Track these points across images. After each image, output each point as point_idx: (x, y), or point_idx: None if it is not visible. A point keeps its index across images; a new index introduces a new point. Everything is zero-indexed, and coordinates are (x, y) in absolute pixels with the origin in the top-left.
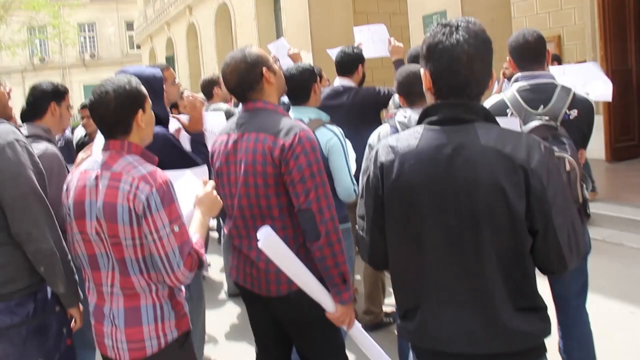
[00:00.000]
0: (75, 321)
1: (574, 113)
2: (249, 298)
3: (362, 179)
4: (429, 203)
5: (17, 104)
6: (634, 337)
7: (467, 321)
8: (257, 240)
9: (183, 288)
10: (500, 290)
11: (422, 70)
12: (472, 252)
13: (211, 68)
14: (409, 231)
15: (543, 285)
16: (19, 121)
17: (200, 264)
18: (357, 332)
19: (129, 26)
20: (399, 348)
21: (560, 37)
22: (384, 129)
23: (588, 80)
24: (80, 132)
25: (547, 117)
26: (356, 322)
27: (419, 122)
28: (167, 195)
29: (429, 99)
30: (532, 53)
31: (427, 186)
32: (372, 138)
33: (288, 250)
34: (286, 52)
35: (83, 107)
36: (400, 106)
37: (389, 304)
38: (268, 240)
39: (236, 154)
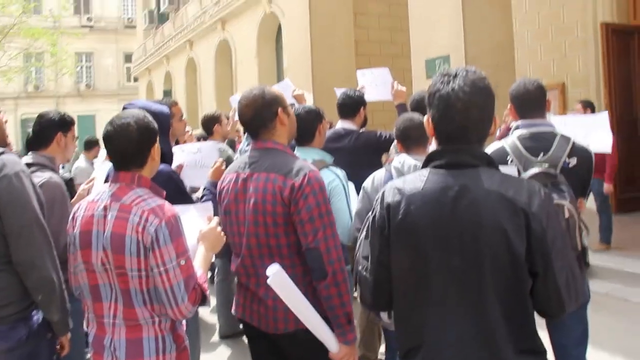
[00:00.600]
0: (63, 348)
1: (573, 161)
2: (253, 335)
3: (357, 221)
4: (434, 243)
5: (10, 132)
6: None
7: (471, 359)
8: (267, 277)
9: (184, 322)
10: (502, 331)
11: (425, 117)
12: (476, 292)
13: (209, 104)
14: (414, 271)
15: (543, 336)
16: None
17: (203, 299)
18: None
19: (127, 58)
20: None
21: (564, 84)
22: (378, 174)
23: (589, 131)
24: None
25: (546, 165)
26: None
27: (424, 165)
28: (175, 229)
29: (434, 145)
30: (532, 102)
31: (432, 227)
32: (367, 182)
33: (296, 289)
34: (290, 93)
35: None
36: (398, 152)
37: (383, 352)
38: (277, 277)
39: (245, 193)
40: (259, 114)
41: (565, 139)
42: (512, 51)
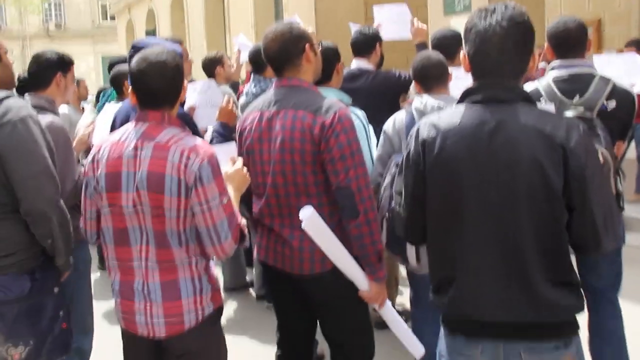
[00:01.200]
0: (61, 276)
1: (612, 104)
2: (275, 278)
3: (378, 165)
4: (470, 177)
5: None
6: None
7: (503, 291)
8: (293, 218)
9: (213, 264)
10: (537, 263)
11: (461, 53)
12: (511, 225)
13: (199, 47)
14: (449, 204)
15: None
16: None
17: (242, 238)
18: (388, 311)
19: None
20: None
21: (600, 21)
22: (399, 115)
23: (631, 71)
24: None
25: (581, 108)
26: (387, 301)
27: (460, 101)
28: (216, 167)
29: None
30: (572, 41)
31: (468, 162)
32: (388, 124)
33: (329, 230)
34: None
35: None
36: (417, 93)
37: (400, 303)
38: (311, 220)
39: (271, 131)
40: (286, 49)
41: (605, 80)
42: None
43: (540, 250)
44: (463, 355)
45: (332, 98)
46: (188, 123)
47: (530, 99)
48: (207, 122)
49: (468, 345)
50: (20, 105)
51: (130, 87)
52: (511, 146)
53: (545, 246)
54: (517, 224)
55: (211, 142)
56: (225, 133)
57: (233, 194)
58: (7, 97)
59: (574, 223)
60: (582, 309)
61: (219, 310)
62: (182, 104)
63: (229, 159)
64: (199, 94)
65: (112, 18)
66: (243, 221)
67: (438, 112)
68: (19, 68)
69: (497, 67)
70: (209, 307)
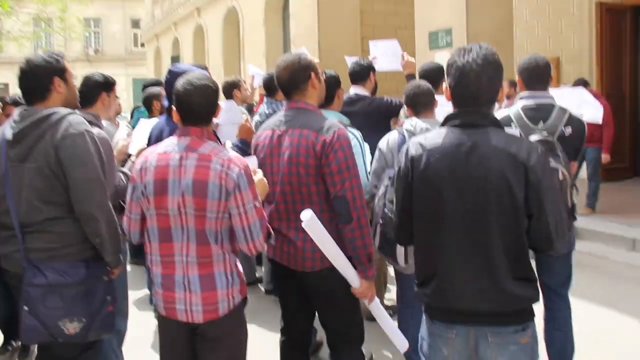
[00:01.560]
0: (112, 273)
1: (568, 130)
2: (281, 273)
3: (373, 178)
4: (449, 188)
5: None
6: (613, 336)
7: (476, 285)
8: (297, 222)
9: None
10: (503, 262)
11: (444, 85)
12: (483, 230)
13: (217, 70)
14: (432, 212)
15: None
16: None
17: (269, 236)
18: (375, 306)
19: (135, 24)
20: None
21: (559, 59)
22: (392, 135)
23: (581, 103)
24: None
25: (545, 133)
26: (376, 297)
27: (442, 125)
28: (249, 176)
29: (440, 110)
30: (539, 75)
31: (449, 175)
32: (382, 143)
33: (325, 231)
34: None
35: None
36: (407, 116)
37: (388, 299)
38: (310, 221)
39: (280, 147)
40: (295, 77)
41: (563, 110)
42: (511, 28)
43: (505, 251)
44: (441, 337)
45: (333, 119)
46: (215, 138)
47: (499, 124)
48: (228, 138)
49: (445, 329)
50: (79, 121)
51: (162, 106)
52: (484, 163)
53: (510, 247)
54: (487, 228)
55: None
56: (244, 147)
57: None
58: (70, 113)
59: (531, 228)
60: (537, 299)
61: (244, 300)
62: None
63: (251, 171)
64: (222, 113)
65: (142, 45)
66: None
67: (424, 134)
68: None
69: (474, 97)
70: (238, 297)
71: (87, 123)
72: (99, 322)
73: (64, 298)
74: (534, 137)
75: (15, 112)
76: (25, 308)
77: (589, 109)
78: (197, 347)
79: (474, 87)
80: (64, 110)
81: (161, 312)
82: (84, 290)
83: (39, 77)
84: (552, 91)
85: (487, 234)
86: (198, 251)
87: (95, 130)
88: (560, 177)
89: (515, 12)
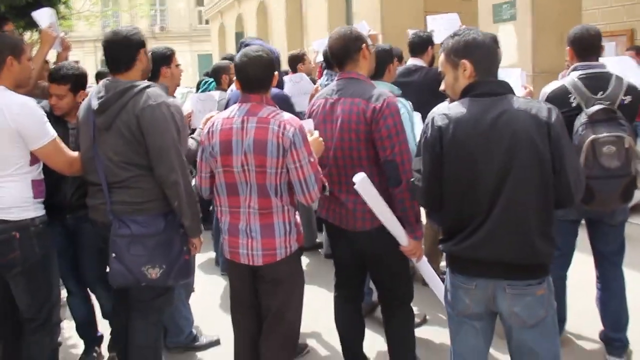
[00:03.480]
0: (195, 247)
1: (628, 98)
2: (334, 233)
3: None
4: (480, 153)
5: (91, 71)
6: None
7: (504, 237)
8: (349, 185)
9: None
10: (533, 218)
11: (464, 62)
12: (513, 187)
13: (280, 45)
14: (464, 176)
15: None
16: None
17: (324, 188)
18: (423, 265)
19: (199, 1)
20: None
21: (633, 31)
22: (442, 105)
23: (625, 71)
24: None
25: (608, 102)
26: (423, 256)
27: (462, 96)
28: (304, 135)
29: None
30: (591, 46)
31: (478, 140)
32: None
33: (377, 193)
34: (366, 33)
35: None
36: None
37: (444, 266)
38: (362, 182)
39: (333, 114)
40: (347, 46)
41: (620, 79)
42: None
43: (536, 206)
44: (462, 288)
45: (383, 89)
46: (290, 103)
47: (513, 91)
48: (300, 107)
49: (466, 281)
50: (158, 93)
51: (230, 79)
52: (510, 125)
53: (540, 202)
54: (519, 185)
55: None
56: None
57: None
58: (149, 85)
59: (554, 183)
60: (554, 256)
61: (301, 249)
62: (282, 87)
63: (307, 131)
64: (293, 84)
65: (207, 22)
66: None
67: (447, 105)
68: None
69: (490, 66)
70: (294, 245)
71: (164, 94)
72: (176, 269)
73: (146, 247)
74: (595, 108)
75: (100, 83)
76: (113, 255)
77: (633, 77)
78: (259, 288)
79: (490, 56)
80: (143, 83)
81: (226, 256)
82: (164, 240)
83: (128, 48)
84: (609, 59)
85: (519, 190)
86: (260, 203)
87: (169, 100)
88: (626, 145)
89: None
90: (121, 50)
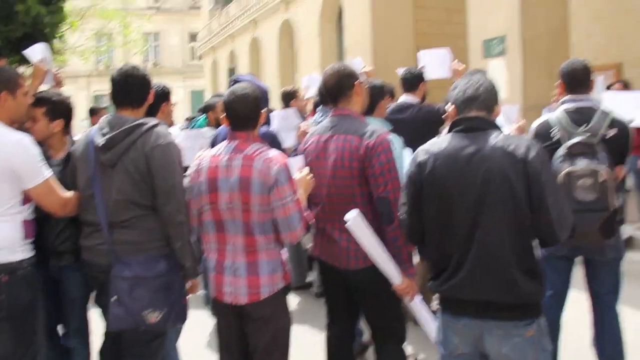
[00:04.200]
0: (192, 288)
1: (611, 132)
2: (326, 271)
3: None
4: (455, 190)
5: (83, 106)
6: None
7: (483, 277)
8: (346, 221)
9: (285, 250)
10: (510, 255)
11: (449, 107)
12: (489, 225)
13: (272, 81)
14: (441, 212)
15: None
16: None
17: (308, 227)
18: (416, 303)
19: (192, 37)
20: None
21: (621, 65)
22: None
23: (637, 108)
24: None
25: (588, 134)
26: (416, 295)
27: (448, 131)
28: (288, 172)
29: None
30: (580, 80)
31: (453, 176)
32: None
33: (369, 230)
34: (360, 70)
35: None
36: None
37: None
38: (355, 220)
39: (326, 151)
40: (341, 83)
41: (605, 112)
42: (567, 33)
43: (513, 245)
44: (451, 327)
45: (375, 125)
46: (278, 141)
47: (498, 127)
48: (286, 142)
49: (454, 320)
50: (166, 132)
51: (216, 117)
52: (484, 162)
53: (515, 241)
54: (493, 224)
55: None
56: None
57: (302, 194)
58: (158, 124)
59: (534, 221)
60: (543, 295)
61: (287, 287)
62: (268, 125)
63: (298, 169)
64: (281, 120)
65: (200, 58)
66: (309, 214)
67: (432, 140)
68: None
69: (473, 101)
70: (280, 283)
71: (171, 134)
72: (175, 313)
73: (148, 290)
74: (575, 140)
75: (103, 120)
76: (114, 298)
77: None
78: (245, 327)
79: (474, 92)
80: (151, 121)
81: (212, 294)
82: (165, 282)
83: (144, 87)
84: (607, 93)
85: (493, 229)
86: (245, 241)
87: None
88: (601, 178)
89: (573, 16)
90: (138, 87)
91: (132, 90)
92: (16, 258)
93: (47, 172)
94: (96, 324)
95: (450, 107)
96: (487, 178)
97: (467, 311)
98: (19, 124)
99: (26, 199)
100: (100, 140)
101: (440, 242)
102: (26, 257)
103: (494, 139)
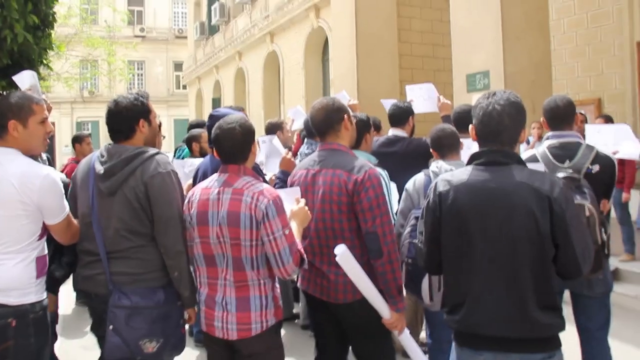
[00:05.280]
0: (190, 318)
1: (596, 168)
2: (315, 305)
3: (400, 218)
4: (476, 222)
5: (66, 133)
6: None
7: (503, 313)
8: (330, 256)
9: (277, 285)
10: (530, 291)
11: (470, 126)
12: (510, 260)
13: (257, 111)
14: (460, 244)
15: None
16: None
17: (302, 261)
18: (405, 337)
19: (177, 67)
20: None
21: (600, 100)
22: (419, 177)
23: (619, 140)
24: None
25: (571, 170)
26: (406, 329)
27: (468, 163)
28: (279, 206)
29: (464, 152)
30: (562, 116)
31: (474, 210)
32: (409, 184)
33: (358, 265)
34: (346, 103)
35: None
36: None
37: (423, 338)
38: (344, 255)
39: (314, 185)
40: (329, 117)
41: (589, 148)
42: (549, 69)
43: (533, 280)
44: None
45: (363, 159)
46: (260, 171)
47: (522, 162)
48: (273, 170)
49: (473, 355)
50: (166, 160)
51: (201, 147)
52: (508, 198)
53: (537, 277)
54: (514, 259)
55: (274, 186)
56: (284, 178)
57: (297, 227)
58: (157, 153)
59: (559, 256)
60: (563, 328)
61: (279, 323)
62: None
63: (294, 200)
64: (266, 145)
65: (184, 87)
66: (301, 248)
67: (452, 171)
68: None
69: (495, 136)
70: (272, 320)
71: (171, 163)
72: (172, 343)
73: (145, 319)
74: (559, 175)
75: (102, 148)
76: (110, 327)
77: (628, 145)
78: None
79: (497, 126)
80: (151, 150)
81: (203, 328)
82: (163, 312)
83: (126, 119)
84: (590, 127)
85: (514, 265)
86: (235, 276)
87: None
88: (587, 213)
89: (554, 53)
90: (120, 122)
91: (116, 126)
92: (29, 300)
93: (67, 207)
94: (93, 350)
95: (471, 129)
96: (511, 213)
97: (487, 346)
98: (35, 154)
99: (42, 232)
100: (99, 169)
101: (457, 275)
102: (39, 300)
103: (518, 174)
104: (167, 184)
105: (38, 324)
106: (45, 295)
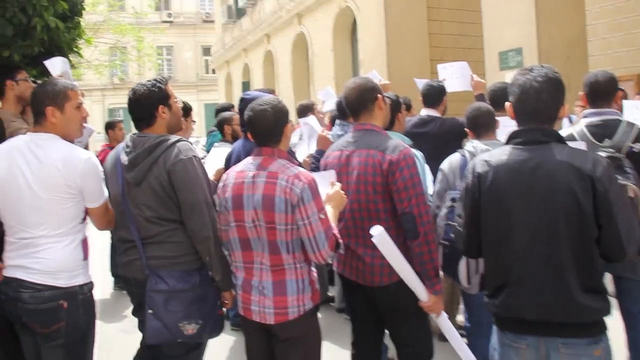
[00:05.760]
0: (227, 302)
1: (638, 146)
2: (351, 288)
3: (436, 199)
4: (516, 203)
5: (98, 120)
6: None
7: (546, 297)
8: (366, 238)
9: (314, 269)
10: (573, 273)
11: (507, 103)
12: (552, 242)
13: (287, 94)
14: (500, 225)
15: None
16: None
17: (337, 246)
18: (443, 320)
19: (205, 51)
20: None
21: (639, 76)
22: (454, 157)
23: None
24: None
25: (611, 150)
26: (443, 312)
27: (507, 143)
28: (314, 190)
29: (501, 131)
30: (602, 92)
31: (515, 190)
32: (444, 165)
33: (395, 246)
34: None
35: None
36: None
37: (461, 321)
38: (380, 236)
39: (349, 167)
40: (363, 96)
41: (630, 125)
42: (584, 44)
43: (576, 262)
44: (512, 347)
45: (397, 139)
46: (293, 153)
47: (562, 139)
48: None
49: (516, 339)
50: (188, 147)
51: (233, 130)
52: (549, 178)
53: (580, 259)
54: (557, 240)
55: (310, 167)
56: (320, 157)
57: (332, 211)
58: (179, 140)
59: (602, 237)
60: (609, 312)
61: (316, 307)
62: None
63: (329, 183)
64: (304, 126)
65: (213, 71)
66: (337, 232)
67: (489, 152)
68: None
69: (534, 114)
70: (309, 304)
71: (193, 149)
72: (211, 324)
73: (183, 302)
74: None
75: (127, 138)
76: (150, 311)
77: None
78: (274, 347)
79: (535, 104)
80: (173, 137)
81: (239, 312)
82: (199, 295)
83: (145, 106)
84: (628, 102)
85: (556, 246)
86: (271, 260)
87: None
88: (631, 194)
89: (590, 28)
90: (140, 110)
91: (136, 113)
92: (77, 282)
93: (106, 191)
94: (132, 334)
95: (508, 107)
96: (552, 194)
97: (530, 330)
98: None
99: (84, 217)
100: (124, 159)
101: (497, 258)
102: (87, 282)
103: (559, 153)
104: (189, 171)
105: (86, 305)
106: (90, 277)
